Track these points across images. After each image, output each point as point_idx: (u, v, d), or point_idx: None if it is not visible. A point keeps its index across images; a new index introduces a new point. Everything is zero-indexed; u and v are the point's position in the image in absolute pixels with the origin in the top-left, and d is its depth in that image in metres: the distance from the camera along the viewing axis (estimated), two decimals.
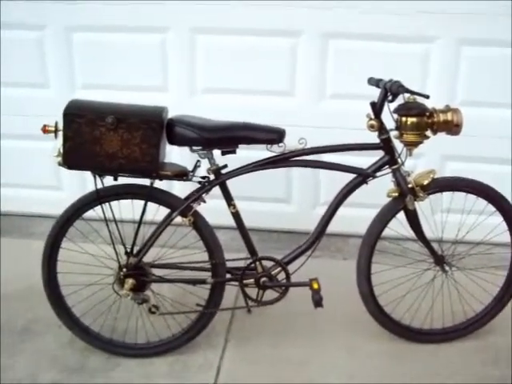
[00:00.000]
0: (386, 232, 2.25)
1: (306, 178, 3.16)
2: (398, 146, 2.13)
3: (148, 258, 2.20)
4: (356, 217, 2.70)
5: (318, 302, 2.13)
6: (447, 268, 2.30)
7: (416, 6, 2.83)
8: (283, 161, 2.14)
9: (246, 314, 2.37)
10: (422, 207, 2.24)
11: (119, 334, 2.33)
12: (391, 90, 2.01)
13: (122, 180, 2.10)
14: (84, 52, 3.12)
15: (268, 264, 2.23)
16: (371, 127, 2.09)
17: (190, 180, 2.10)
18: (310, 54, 2.98)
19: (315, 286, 2.14)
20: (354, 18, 2.88)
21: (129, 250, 2.16)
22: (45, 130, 2.02)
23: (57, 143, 2.01)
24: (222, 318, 2.43)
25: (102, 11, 3.00)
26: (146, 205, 2.11)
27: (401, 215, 2.22)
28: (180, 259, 2.23)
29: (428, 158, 3.02)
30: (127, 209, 2.15)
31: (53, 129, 2.00)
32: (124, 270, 2.15)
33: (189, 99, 3.10)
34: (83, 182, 3.02)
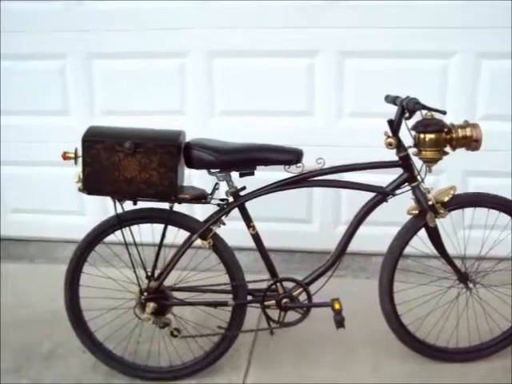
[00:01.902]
0: (409, 250, 2.22)
1: (326, 197, 3.15)
2: (418, 162, 2.12)
3: (169, 282, 2.20)
4: (378, 235, 2.67)
5: (339, 322, 2.11)
6: (471, 285, 2.26)
7: (434, 21, 2.83)
8: (302, 181, 2.13)
9: (269, 335, 2.36)
10: (444, 224, 2.21)
11: (142, 357, 2.33)
12: (408, 107, 2.00)
13: (142, 204, 2.12)
14: (104, 79, 3.18)
15: (289, 285, 2.22)
16: (389, 145, 2.08)
17: (209, 203, 2.10)
18: (327, 73, 2.99)
19: (337, 306, 2.12)
20: (370, 36, 2.89)
21: (150, 274, 2.17)
22: (65, 156, 2.05)
23: (77, 169, 2.03)
24: (244, 339, 2.43)
25: (121, 39, 3.06)
26: (165, 228, 2.12)
27: (423, 233, 2.19)
28: (201, 282, 2.23)
29: (449, 173, 3.00)
30: (147, 232, 2.17)
31: (72, 155, 2.03)
32: (145, 294, 2.16)
33: (207, 122, 3.13)
34: (106, 207, 3.06)
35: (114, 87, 3.16)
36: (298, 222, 3.25)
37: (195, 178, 2.75)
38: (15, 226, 3.47)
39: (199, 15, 2.98)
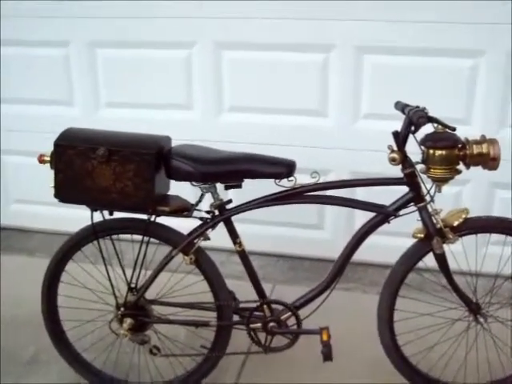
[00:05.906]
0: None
1: None
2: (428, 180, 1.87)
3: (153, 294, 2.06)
4: (394, 246, 2.41)
5: (326, 355, 1.91)
6: (481, 319, 2.01)
7: (460, 17, 2.53)
8: (293, 196, 1.92)
9: (262, 355, 2.17)
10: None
11: (122, 372, 2.21)
12: (412, 119, 1.76)
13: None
14: (108, 69, 3.03)
15: (278, 307, 2.04)
16: (392, 160, 1.84)
17: (191, 216, 1.93)
18: (343, 69, 2.73)
19: (325, 336, 1.92)
20: (390, 30, 2.61)
21: (129, 287, 2.02)
22: (41, 159, 1.94)
23: None
24: (235, 359, 2.27)
25: (127, 27, 2.89)
26: (142, 241, 1.96)
27: None
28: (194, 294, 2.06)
29: (474, 184, 2.72)
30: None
31: (49, 159, 1.91)
32: (122, 308, 2.02)
33: (215, 118, 2.91)
34: None
35: (118, 78, 3.01)
36: (309, 227, 3.02)
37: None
38: (17, 217, 3.39)
39: (207, 4, 2.76)
